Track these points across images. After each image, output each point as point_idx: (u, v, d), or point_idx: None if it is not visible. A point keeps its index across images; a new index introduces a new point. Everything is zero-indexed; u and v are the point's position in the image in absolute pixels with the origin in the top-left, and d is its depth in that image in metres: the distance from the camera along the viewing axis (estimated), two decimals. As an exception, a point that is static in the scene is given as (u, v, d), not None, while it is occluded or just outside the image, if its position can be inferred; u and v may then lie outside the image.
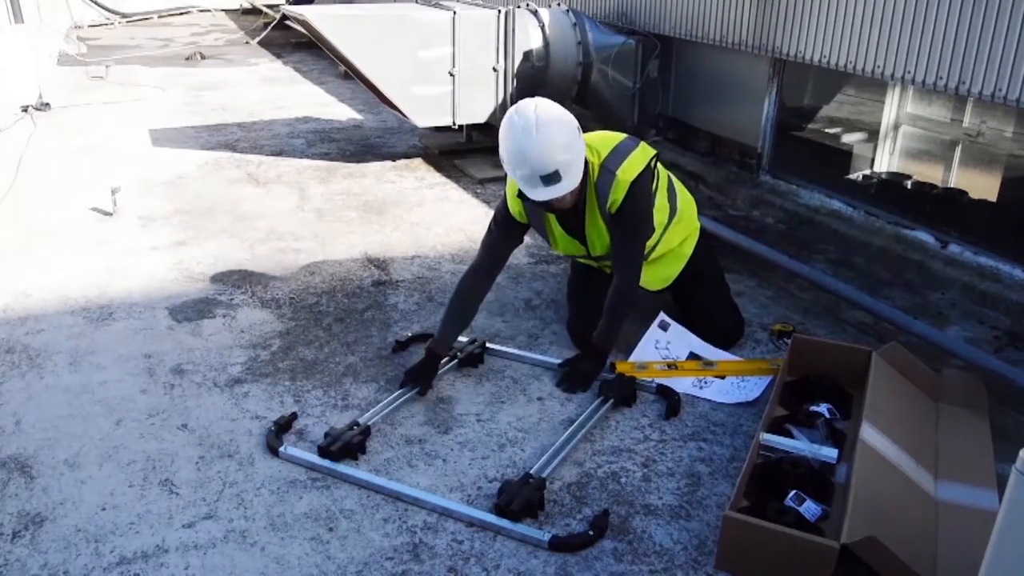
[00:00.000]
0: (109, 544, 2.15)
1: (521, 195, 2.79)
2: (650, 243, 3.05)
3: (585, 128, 2.79)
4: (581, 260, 3.21)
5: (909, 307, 3.46)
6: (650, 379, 2.89)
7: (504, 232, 2.98)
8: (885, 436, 2.37)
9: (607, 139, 2.90)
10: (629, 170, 2.79)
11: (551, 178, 2.62)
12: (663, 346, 3.09)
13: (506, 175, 2.81)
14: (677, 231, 3.13)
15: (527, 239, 4.17)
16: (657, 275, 3.17)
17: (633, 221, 2.85)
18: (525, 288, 3.68)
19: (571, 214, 2.89)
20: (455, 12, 4.87)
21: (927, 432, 2.57)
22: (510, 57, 5.06)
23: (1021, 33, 3.24)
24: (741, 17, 4.66)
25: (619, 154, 2.82)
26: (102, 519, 2.24)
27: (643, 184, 2.83)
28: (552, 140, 2.59)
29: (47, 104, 6.77)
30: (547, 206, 2.79)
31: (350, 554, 2.13)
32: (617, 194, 2.79)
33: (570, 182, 2.66)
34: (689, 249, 3.20)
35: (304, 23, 5.02)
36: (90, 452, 2.52)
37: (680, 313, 3.23)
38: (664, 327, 3.14)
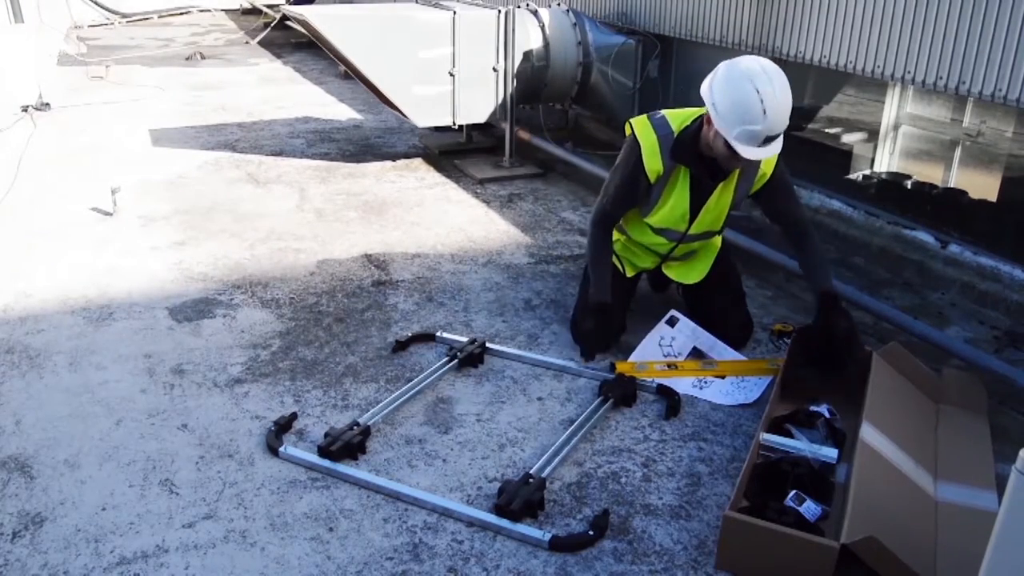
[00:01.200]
0: (109, 544, 2.15)
1: (674, 154, 2.82)
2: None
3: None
4: (650, 245, 3.18)
5: (909, 307, 3.46)
6: (650, 379, 2.89)
7: (633, 190, 2.97)
8: (885, 436, 2.38)
9: None
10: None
11: (773, 138, 2.62)
12: (667, 343, 3.09)
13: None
14: None
15: (527, 239, 4.20)
16: (694, 269, 3.22)
17: (790, 182, 2.98)
18: (525, 288, 3.68)
19: (708, 180, 2.89)
20: (455, 12, 4.87)
21: (927, 432, 2.57)
22: (510, 57, 5.06)
23: (1021, 33, 3.24)
24: (741, 17, 4.66)
25: None
26: (102, 519, 2.24)
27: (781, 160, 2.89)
28: (789, 102, 2.60)
29: (47, 104, 6.77)
30: (710, 168, 2.81)
31: (350, 554, 2.13)
32: (768, 166, 2.86)
33: (777, 145, 2.66)
34: (719, 243, 3.27)
35: (304, 23, 5.02)
36: (90, 452, 2.52)
37: (694, 312, 3.23)
38: (672, 323, 3.13)
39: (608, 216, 3.09)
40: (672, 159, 2.86)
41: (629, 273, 3.26)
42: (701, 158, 2.81)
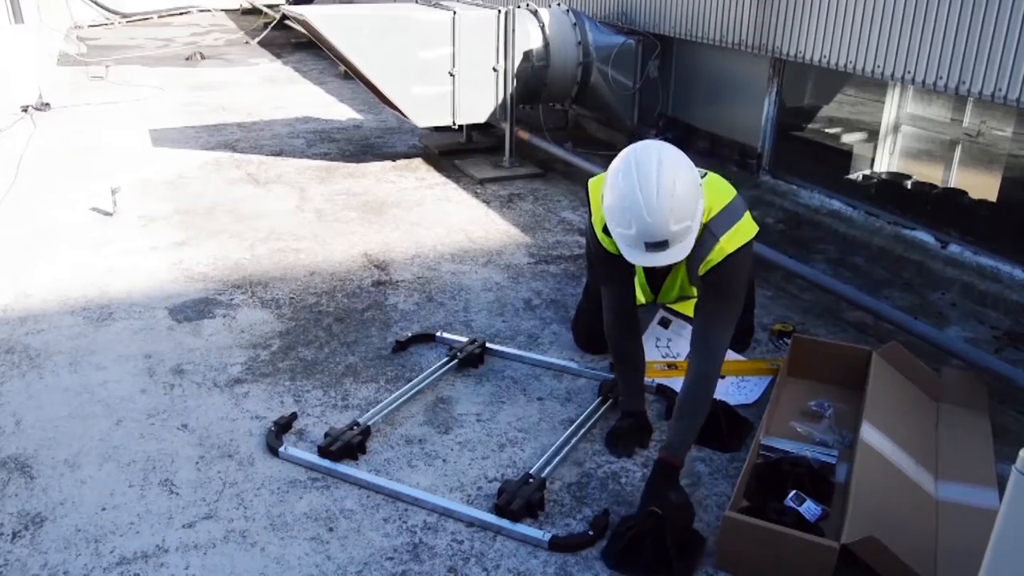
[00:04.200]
0: (109, 544, 2.16)
1: (607, 231, 2.34)
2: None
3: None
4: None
5: (909, 307, 3.46)
6: (650, 379, 2.89)
7: (614, 268, 2.50)
8: (885, 436, 2.37)
9: (720, 193, 2.40)
10: (733, 240, 2.34)
11: (658, 246, 2.18)
12: (664, 344, 3.09)
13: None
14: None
15: (527, 239, 4.20)
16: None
17: (721, 290, 2.37)
18: (525, 288, 3.68)
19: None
20: (455, 12, 4.87)
21: (927, 432, 2.57)
22: (510, 57, 5.06)
23: (1021, 33, 3.24)
24: (741, 17, 4.66)
25: (728, 216, 2.36)
26: (102, 519, 2.24)
27: (743, 258, 2.37)
28: (669, 208, 2.12)
29: (47, 104, 6.77)
30: None
31: (350, 554, 2.13)
32: (717, 255, 2.34)
33: (678, 252, 2.20)
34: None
35: (304, 23, 5.02)
36: (90, 452, 2.52)
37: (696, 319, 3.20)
38: (665, 324, 3.13)
39: (616, 307, 2.58)
40: (607, 234, 2.38)
41: None
42: None
